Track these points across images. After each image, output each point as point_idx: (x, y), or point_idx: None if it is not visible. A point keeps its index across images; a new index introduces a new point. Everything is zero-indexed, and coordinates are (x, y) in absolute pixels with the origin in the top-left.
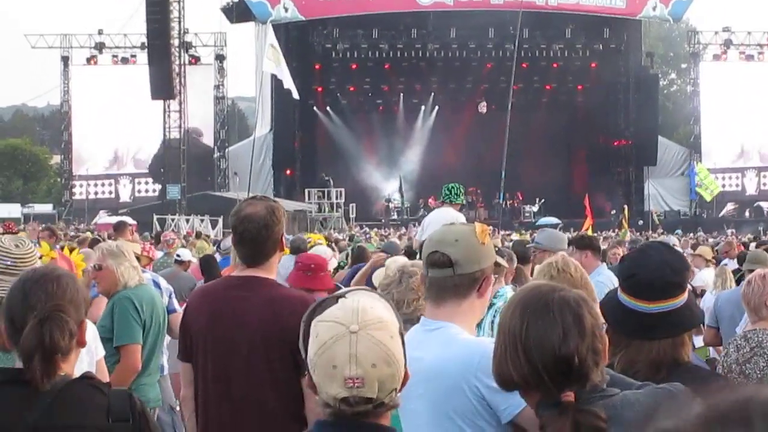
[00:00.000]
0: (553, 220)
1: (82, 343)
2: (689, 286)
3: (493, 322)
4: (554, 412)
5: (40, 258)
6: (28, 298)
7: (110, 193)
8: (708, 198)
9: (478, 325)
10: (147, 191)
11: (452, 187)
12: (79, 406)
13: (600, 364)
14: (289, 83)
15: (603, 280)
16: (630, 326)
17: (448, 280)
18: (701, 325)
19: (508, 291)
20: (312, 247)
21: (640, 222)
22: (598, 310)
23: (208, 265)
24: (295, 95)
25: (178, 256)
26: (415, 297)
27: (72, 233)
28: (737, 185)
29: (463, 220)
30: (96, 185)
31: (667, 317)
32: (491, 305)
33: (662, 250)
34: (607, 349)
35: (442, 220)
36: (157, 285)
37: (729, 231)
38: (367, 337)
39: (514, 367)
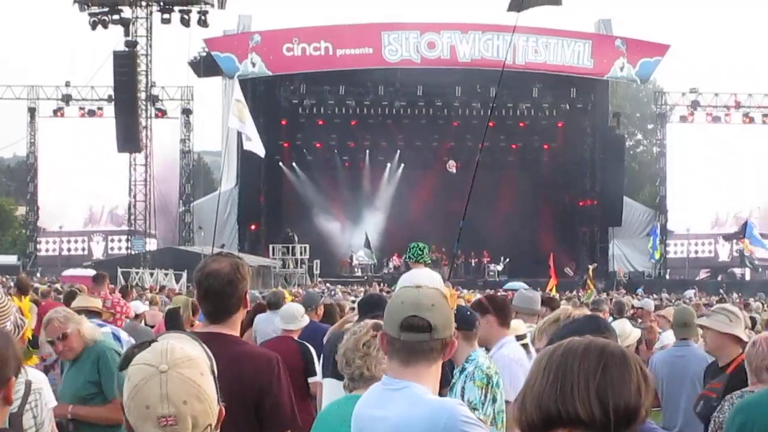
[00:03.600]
0: (521, 285)
1: (8, 401)
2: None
3: (464, 388)
4: None
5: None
6: None
7: (83, 249)
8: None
9: (451, 389)
10: (120, 248)
11: (422, 247)
12: None
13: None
14: (254, 139)
15: None
16: None
17: (425, 344)
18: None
19: (480, 354)
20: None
21: (603, 283)
22: None
23: (172, 319)
24: (261, 153)
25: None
26: (352, 357)
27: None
28: (710, 252)
29: (440, 280)
30: (69, 242)
31: None
32: (462, 369)
33: (582, 318)
34: None
35: (426, 279)
36: (117, 338)
37: (691, 292)
38: (176, 376)
39: (582, 405)
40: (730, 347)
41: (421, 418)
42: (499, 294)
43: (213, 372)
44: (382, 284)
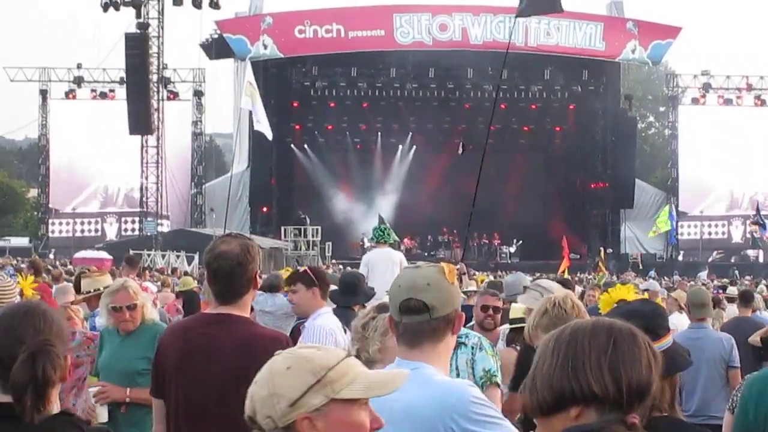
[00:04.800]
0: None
1: (64, 379)
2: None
3: (474, 360)
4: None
5: (21, 293)
6: (15, 332)
7: (96, 231)
8: (651, 234)
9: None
10: (134, 230)
11: (384, 228)
12: None
13: (656, 399)
14: (263, 122)
15: None
16: None
17: (425, 324)
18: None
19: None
20: None
21: (614, 265)
22: None
23: (190, 300)
24: (269, 135)
25: None
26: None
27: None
28: (723, 233)
29: (403, 258)
30: (83, 223)
31: None
32: (461, 344)
33: (636, 301)
34: None
35: (385, 258)
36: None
37: (703, 274)
38: (270, 361)
39: (595, 379)
40: None
41: (432, 400)
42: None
43: (319, 381)
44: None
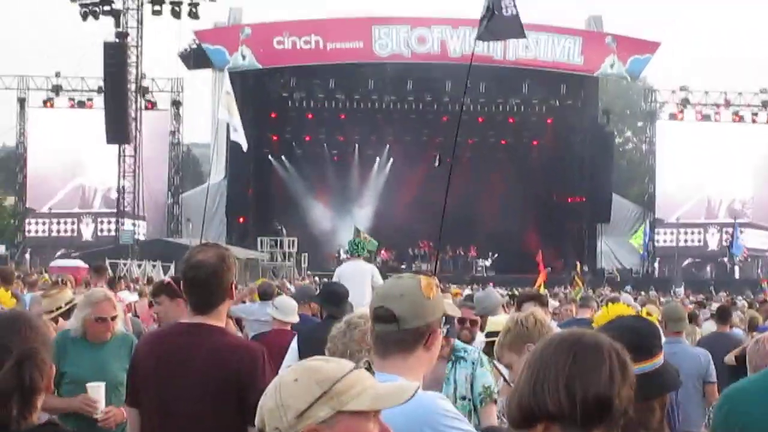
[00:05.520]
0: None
1: (49, 387)
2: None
3: (473, 375)
4: None
5: None
6: (1, 340)
7: (72, 231)
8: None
9: (447, 379)
10: (110, 231)
11: (359, 242)
12: None
13: (629, 413)
14: (239, 133)
15: None
16: None
17: (393, 335)
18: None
19: (459, 342)
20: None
21: (590, 278)
22: None
23: None
24: (244, 146)
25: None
26: (358, 349)
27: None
28: (699, 240)
29: (377, 271)
30: (59, 223)
31: None
32: (461, 359)
33: (630, 318)
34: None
35: (356, 271)
36: None
37: (680, 290)
38: (281, 374)
39: (551, 398)
40: None
41: (402, 413)
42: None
43: (326, 393)
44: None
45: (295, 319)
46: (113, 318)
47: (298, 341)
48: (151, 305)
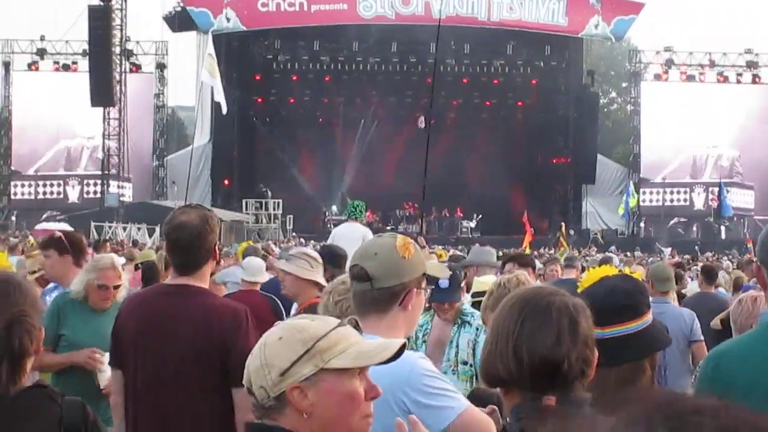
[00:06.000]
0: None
1: (38, 351)
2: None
3: (476, 341)
4: (534, 416)
5: None
6: None
7: (59, 194)
8: (619, 212)
9: (451, 342)
10: (96, 193)
11: (357, 205)
12: (31, 415)
13: (587, 374)
14: (219, 95)
15: None
16: None
17: (367, 293)
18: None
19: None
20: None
21: (576, 238)
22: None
23: (150, 273)
24: (224, 109)
25: None
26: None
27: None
28: (685, 200)
29: (370, 234)
30: (45, 185)
31: (621, 342)
32: (467, 324)
33: (615, 277)
34: (595, 362)
35: (351, 233)
36: None
37: (667, 250)
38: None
39: (502, 363)
40: (308, 290)
41: (383, 373)
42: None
43: (309, 351)
44: None
45: (263, 278)
46: (116, 287)
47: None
48: (137, 268)
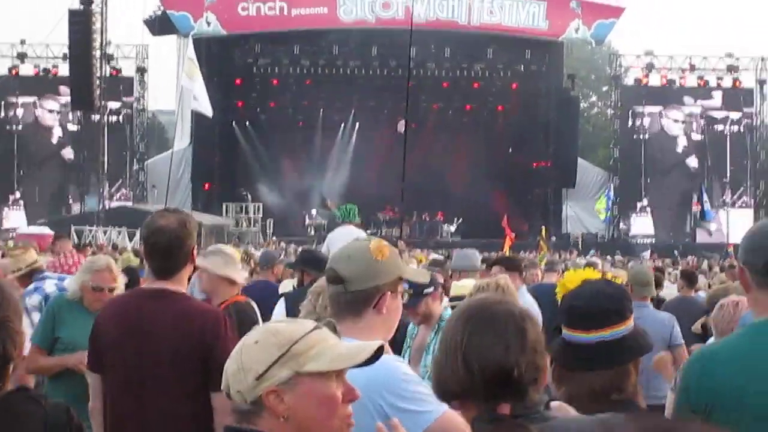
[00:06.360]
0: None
1: (20, 355)
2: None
3: None
4: (489, 428)
5: None
6: None
7: None
8: (600, 216)
9: (428, 347)
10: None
11: (350, 208)
12: (16, 418)
13: (540, 380)
14: (201, 100)
15: (522, 303)
16: (570, 358)
17: (341, 296)
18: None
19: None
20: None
21: (557, 242)
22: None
23: (130, 277)
24: (208, 113)
25: None
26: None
27: None
28: None
29: (364, 236)
30: None
31: (607, 347)
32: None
33: (599, 282)
34: (547, 368)
35: (346, 236)
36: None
37: (646, 254)
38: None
39: (453, 376)
40: (224, 288)
41: (360, 377)
42: None
43: (285, 355)
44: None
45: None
46: (111, 290)
47: (286, 305)
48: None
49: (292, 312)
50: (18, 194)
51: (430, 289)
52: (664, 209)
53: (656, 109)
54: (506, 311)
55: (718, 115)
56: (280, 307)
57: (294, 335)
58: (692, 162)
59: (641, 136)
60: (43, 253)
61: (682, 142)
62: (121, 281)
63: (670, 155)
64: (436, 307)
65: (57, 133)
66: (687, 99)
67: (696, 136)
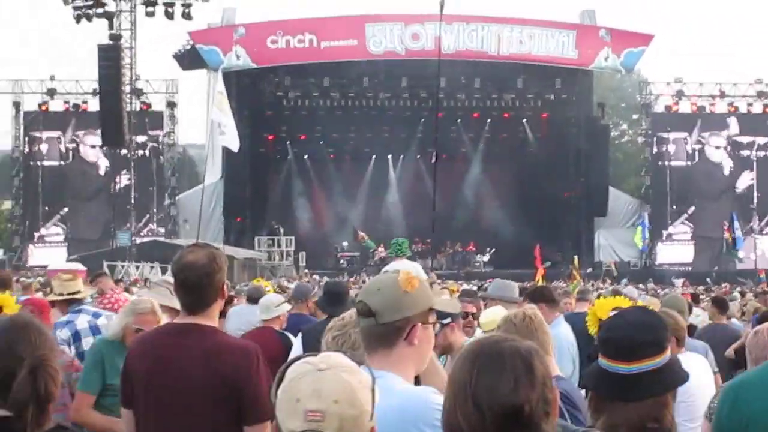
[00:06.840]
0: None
1: (56, 394)
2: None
3: None
4: None
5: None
6: (12, 349)
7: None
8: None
9: None
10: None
11: (401, 242)
12: None
13: (551, 414)
14: (229, 134)
15: (558, 333)
16: (608, 388)
17: (372, 329)
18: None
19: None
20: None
21: (590, 271)
22: (552, 361)
23: None
24: (235, 147)
25: None
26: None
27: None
28: None
29: (420, 268)
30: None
31: (645, 378)
32: None
33: (637, 311)
34: (557, 401)
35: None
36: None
37: (679, 281)
38: (333, 376)
39: (463, 417)
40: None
41: (394, 409)
42: None
43: (373, 390)
44: (369, 276)
45: (272, 315)
46: None
47: (302, 340)
48: None
49: (309, 347)
50: (44, 231)
51: (448, 320)
52: (698, 237)
53: (685, 135)
54: (511, 348)
55: (744, 140)
56: (297, 343)
57: None
58: (724, 187)
59: (671, 163)
60: (91, 287)
61: (717, 170)
62: (164, 322)
63: (705, 182)
64: (456, 338)
65: (90, 170)
66: (715, 125)
67: (729, 162)
